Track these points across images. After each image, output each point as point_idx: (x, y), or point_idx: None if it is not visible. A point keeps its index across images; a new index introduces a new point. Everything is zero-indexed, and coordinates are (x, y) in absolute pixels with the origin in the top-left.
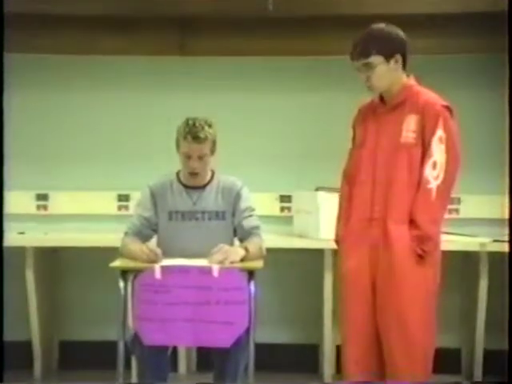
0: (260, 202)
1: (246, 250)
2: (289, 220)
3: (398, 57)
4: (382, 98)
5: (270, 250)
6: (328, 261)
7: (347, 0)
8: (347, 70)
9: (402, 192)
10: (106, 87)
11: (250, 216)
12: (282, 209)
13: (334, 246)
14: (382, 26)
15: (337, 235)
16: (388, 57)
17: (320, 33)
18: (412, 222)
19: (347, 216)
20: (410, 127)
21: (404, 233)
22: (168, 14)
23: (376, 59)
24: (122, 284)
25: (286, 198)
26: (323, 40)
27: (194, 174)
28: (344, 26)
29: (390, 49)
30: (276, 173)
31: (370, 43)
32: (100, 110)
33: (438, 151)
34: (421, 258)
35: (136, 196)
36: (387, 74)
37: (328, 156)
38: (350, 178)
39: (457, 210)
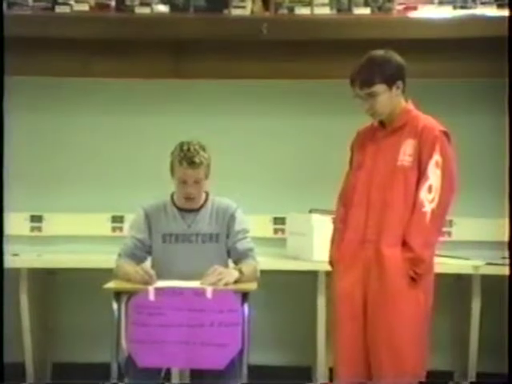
0: (254, 224)
1: (240, 271)
2: (282, 242)
3: (400, 83)
4: (381, 122)
5: (263, 272)
6: (321, 283)
7: (342, 24)
8: (343, 94)
9: (396, 214)
10: (101, 110)
11: (244, 238)
12: (276, 231)
13: (327, 267)
14: (381, 52)
15: (331, 257)
16: (390, 84)
17: (315, 56)
18: (405, 245)
19: (341, 238)
20: (407, 151)
21: (397, 255)
22: (162, 37)
23: (379, 88)
24: (115, 306)
25: (279, 220)
26: (319, 64)
27: (189, 199)
28: (340, 49)
29: (392, 76)
30: (270, 195)
31: (373, 72)
32: (95, 132)
33: (434, 175)
34: (413, 280)
35: (130, 218)
36: (389, 100)
37: (322, 179)
38: (345, 200)
39: (449, 233)
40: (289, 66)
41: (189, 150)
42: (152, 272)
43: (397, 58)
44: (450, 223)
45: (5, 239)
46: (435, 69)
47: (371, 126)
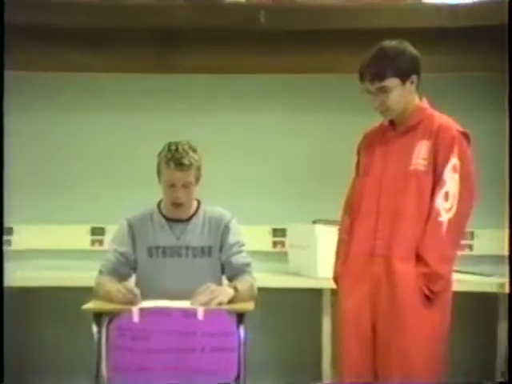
0: (251, 236)
1: (236, 289)
2: (283, 256)
3: (414, 77)
4: (391, 122)
5: (261, 290)
6: (327, 302)
7: (347, 12)
8: (350, 90)
9: (408, 225)
10: (77, 108)
11: (240, 252)
12: (275, 244)
13: (333, 285)
14: (394, 43)
15: (335, 272)
16: (404, 78)
17: (319, 48)
18: (419, 259)
19: (347, 251)
20: (421, 154)
21: (410, 270)
22: (148, 27)
23: (392, 82)
24: (95, 328)
25: (279, 232)
26: (323, 57)
27: (177, 205)
28: (347, 40)
29: (407, 69)
30: (268, 203)
31: (385, 64)
32: (70, 132)
33: (451, 181)
34: (428, 299)
35: (112, 230)
36: (403, 96)
37: (327, 185)
38: (351, 209)
39: (470, 246)
40: (289, 60)
41: (177, 150)
42: (136, 290)
43: (411, 49)
44: (471, 235)
45: None
46: (453, 62)
47: (380, 127)
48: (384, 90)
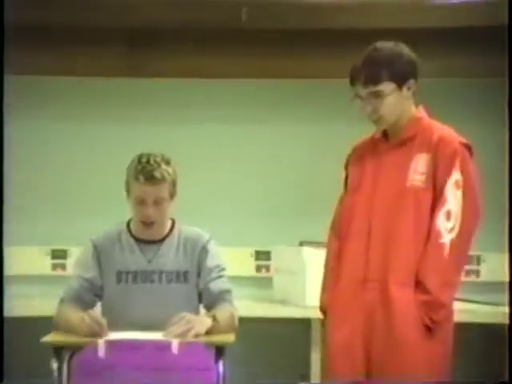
0: (231, 260)
1: (214, 319)
2: (267, 282)
3: (412, 82)
4: (384, 133)
5: (243, 320)
6: (316, 333)
7: (340, 10)
8: (342, 97)
9: (405, 247)
10: (38, 116)
11: (220, 277)
12: (259, 268)
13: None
14: (390, 44)
15: (322, 302)
16: (401, 83)
17: (307, 50)
18: (419, 285)
19: (336, 277)
20: (418, 168)
21: (408, 298)
22: (114, 25)
23: (387, 86)
24: (55, 364)
25: (263, 255)
26: (311, 59)
27: (148, 224)
28: (337, 41)
29: (403, 73)
30: (251, 223)
31: (380, 66)
32: (29, 147)
33: (453, 198)
34: (429, 329)
35: (75, 252)
36: (399, 103)
37: (316, 203)
38: (340, 231)
39: (476, 272)
40: (275, 63)
41: (148, 162)
42: (103, 320)
43: (409, 52)
44: (478, 260)
45: None
46: (458, 65)
47: (371, 139)
48: (378, 95)
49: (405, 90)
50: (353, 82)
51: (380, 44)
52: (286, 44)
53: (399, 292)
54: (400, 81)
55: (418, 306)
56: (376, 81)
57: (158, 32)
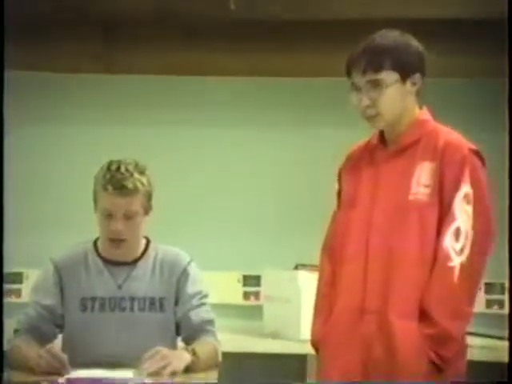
0: (215, 285)
1: (194, 354)
2: (256, 311)
3: (417, 77)
4: (382, 138)
5: (228, 356)
6: (312, 371)
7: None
8: (341, 98)
9: (408, 271)
10: None
11: (201, 305)
12: (247, 295)
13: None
14: (396, 32)
15: (314, 335)
16: (405, 75)
17: (302, 44)
18: (424, 316)
19: (328, 307)
20: (422, 179)
21: (412, 331)
22: (88, 15)
23: (389, 76)
24: None
25: (252, 280)
26: (306, 54)
27: (117, 242)
28: (336, 34)
29: (409, 64)
30: (238, 243)
31: (383, 53)
32: None
33: (462, 214)
34: (436, 367)
35: (32, 276)
36: (401, 99)
37: (312, 221)
38: (333, 252)
39: (500, 302)
40: (265, 59)
41: (118, 169)
42: (63, 356)
43: (417, 43)
44: (502, 288)
45: None
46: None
47: (366, 145)
48: (377, 85)
49: (409, 84)
50: (350, 69)
51: (385, 31)
52: (279, 37)
53: (401, 324)
54: (404, 72)
55: (423, 341)
56: (377, 68)
57: (138, 23)
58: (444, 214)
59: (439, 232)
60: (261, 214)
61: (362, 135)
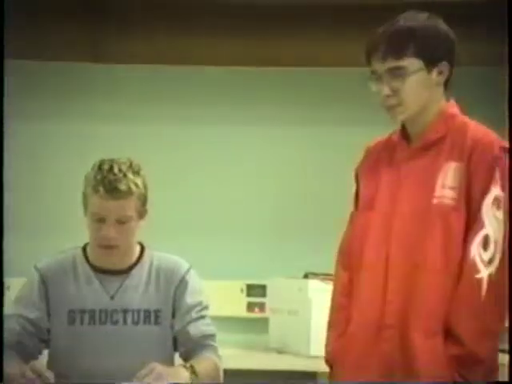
0: (217, 296)
1: (193, 372)
2: (261, 324)
3: (445, 66)
4: (404, 134)
5: (230, 373)
6: None
7: None
8: (355, 92)
9: (432, 283)
10: None
11: (201, 318)
12: (251, 306)
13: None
14: (423, 15)
15: (329, 351)
16: (431, 63)
17: (312, 32)
18: (449, 334)
19: (345, 319)
20: (447, 181)
21: (436, 349)
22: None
23: (412, 63)
24: None
25: (256, 290)
26: (315, 42)
27: (109, 248)
28: (347, 19)
29: (436, 51)
30: (241, 249)
31: (405, 37)
32: None
33: (492, 220)
34: None
35: (15, 285)
36: (425, 89)
37: (323, 225)
38: (349, 258)
39: None
40: (268, 47)
41: (111, 170)
42: (49, 374)
43: (446, 28)
44: None
45: None
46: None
47: (387, 141)
48: (399, 74)
49: (435, 73)
50: (369, 56)
51: (410, 13)
52: (283, 24)
53: (424, 342)
54: (430, 60)
55: (447, 362)
56: (398, 54)
57: (124, 8)
58: (471, 220)
59: (466, 240)
60: (266, 217)
61: (377, 134)
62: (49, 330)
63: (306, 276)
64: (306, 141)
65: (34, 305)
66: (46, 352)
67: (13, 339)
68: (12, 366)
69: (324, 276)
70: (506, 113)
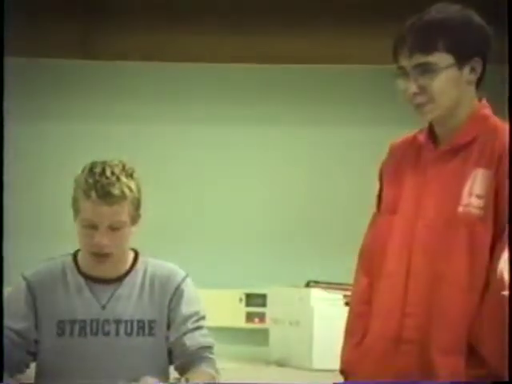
0: (214, 306)
1: None
2: (261, 335)
3: (477, 63)
4: (431, 134)
5: None
6: None
7: None
8: (366, 88)
9: (455, 298)
10: None
11: (198, 328)
12: (250, 316)
13: (337, 379)
14: (455, 6)
15: (344, 361)
16: (462, 59)
17: (319, 25)
18: (473, 353)
19: (363, 328)
20: (475, 189)
21: (458, 369)
22: None
23: (442, 59)
24: None
25: (256, 299)
26: (324, 37)
27: (101, 256)
28: (359, 12)
29: (468, 46)
30: (240, 257)
31: (435, 31)
32: None
33: None
34: None
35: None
36: (456, 87)
37: (326, 231)
38: (370, 263)
39: None
40: (271, 43)
41: (103, 173)
42: None
43: (482, 22)
44: None
45: None
46: None
47: (412, 141)
48: (428, 70)
49: (466, 70)
50: (396, 53)
51: (441, 5)
52: (287, 19)
53: (444, 360)
54: (461, 55)
55: (471, 381)
56: (427, 48)
57: (124, 4)
58: (499, 231)
59: (492, 253)
60: (266, 223)
61: (391, 136)
62: (36, 342)
63: (307, 284)
64: (311, 147)
65: (21, 315)
66: (33, 365)
67: None
68: None
69: (327, 284)
70: (506, 112)
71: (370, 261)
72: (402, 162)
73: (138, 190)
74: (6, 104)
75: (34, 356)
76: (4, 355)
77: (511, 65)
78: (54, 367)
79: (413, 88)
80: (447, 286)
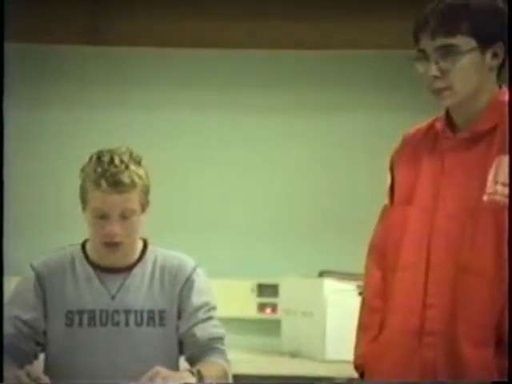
0: (225, 296)
1: (200, 376)
2: (273, 326)
3: (500, 48)
4: (449, 121)
5: (240, 378)
6: None
7: None
8: (380, 75)
9: (482, 288)
10: None
11: (208, 319)
12: (262, 307)
13: (351, 372)
14: None
15: (359, 356)
16: (485, 43)
17: (330, 10)
18: (501, 345)
19: (379, 322)
20: (500, 177)
21: (486, 361)
22: None
23: (465, 42)
24: None
25: (268, 289)
26: (332, 23)
27: (112, 245)
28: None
29: (492, 30)
30: (251, 247)
31: (458, 13)
32: None
33: None
34: None
35: (9, 284)
36: (477, 72)
37: (340, 221)
38: (383, 257)
39: None
40: (279, 28)
41: (112, 162)
42: (46, 379)
43: (504, 6)
44: None
45: None
46: None
47: (428, 128)
48: (450, 53)
49: (489, 55)
50: (417, 35)
51: None
52: (301, 2)
53: (473, 352)
54: (484, 39)
55: (500, 375)
56: (450, 30)
57: None
58: None
59: None
60: (279, 212)
61: (405, 125)
62: (45, 332)
63: (321, 274)
64: (322, 136)
65: (30, 305)
66: (42, 356)
67: (7, 343)
68: (6, 371)
69: (340, 275)
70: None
71: (382, 254)
72: (416, 151)
73: (147, 178)
74: (7, 92)
75: (43, 347)
76: (12, 345)
77: (511, 64)
78: (63, 358)
79: (433, 70)
80: (473, 277)
